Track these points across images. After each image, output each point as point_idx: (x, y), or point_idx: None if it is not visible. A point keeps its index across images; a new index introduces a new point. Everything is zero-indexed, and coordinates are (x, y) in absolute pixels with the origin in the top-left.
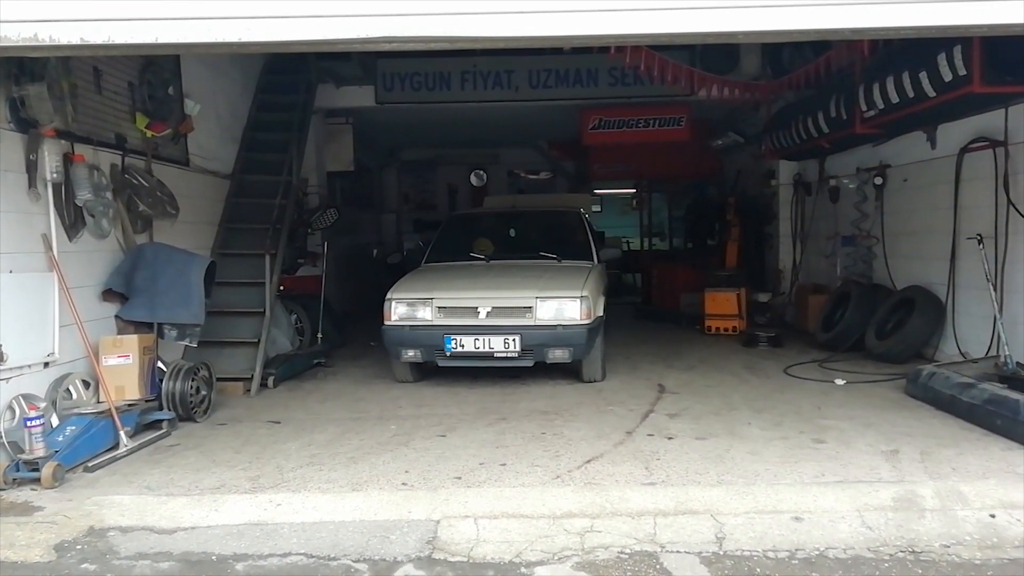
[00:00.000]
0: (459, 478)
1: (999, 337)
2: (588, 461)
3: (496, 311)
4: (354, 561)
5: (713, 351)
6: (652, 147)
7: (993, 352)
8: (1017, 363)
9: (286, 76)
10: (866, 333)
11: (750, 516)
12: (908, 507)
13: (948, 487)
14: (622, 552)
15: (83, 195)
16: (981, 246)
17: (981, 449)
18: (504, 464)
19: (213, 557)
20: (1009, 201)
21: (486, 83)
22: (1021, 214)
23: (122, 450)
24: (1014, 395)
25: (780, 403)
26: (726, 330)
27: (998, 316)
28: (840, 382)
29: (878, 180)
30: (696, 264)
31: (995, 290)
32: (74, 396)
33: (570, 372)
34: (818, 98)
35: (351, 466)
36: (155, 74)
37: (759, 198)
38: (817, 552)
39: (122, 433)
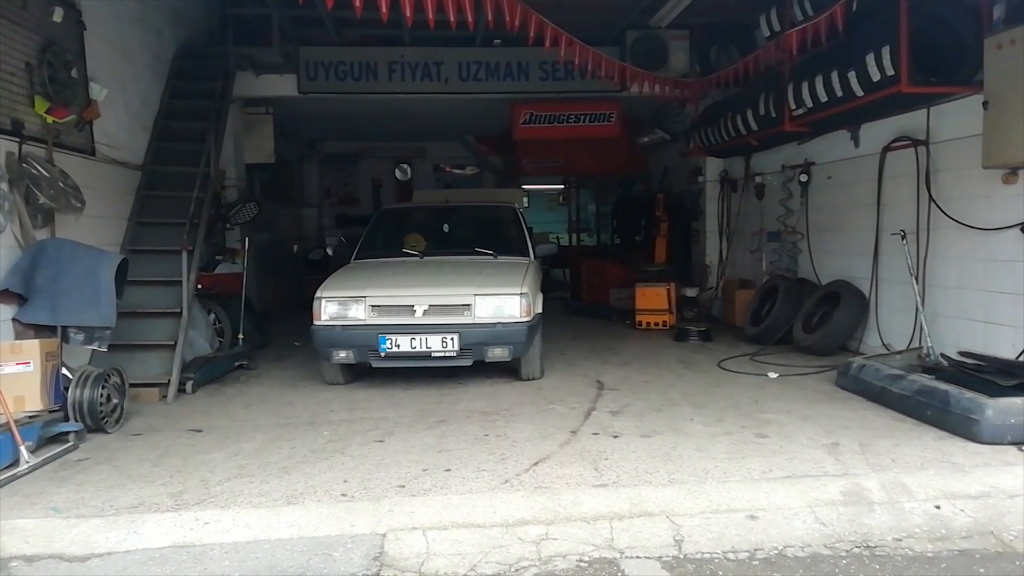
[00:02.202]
0: (402, 486)
1: (922, 329)
2: (535, 463)
3: (433, 309)
4: None
5: (646, 346)
6: (581, 143)
7: (915, 344)
8: (941, 355)
9: (202, 62)
10: (793, 327)
11: (706, 516)
12: (857, 501)
13: (891, 479)
14: (581, 560)
15: None
16: (904, 241)
17: (915, 439)
18: (449, 470)
19: None
20: (931, 198)
21: (415, 74)
22: (943, 210)
23: (23, 467)
24: (943, 386)
25: (719, 398)
26: (656, 325)
27: (920, 309)
28: (773, 375)
29: (803, 177)
30: (625, 260)
31: (917, 284)
32: None
33: (507, 370)
34: (747, 96)
35: (284, 477)
36: (56, 55)
37: (686, 194)
38: (776, 551)
39: (22, 448)
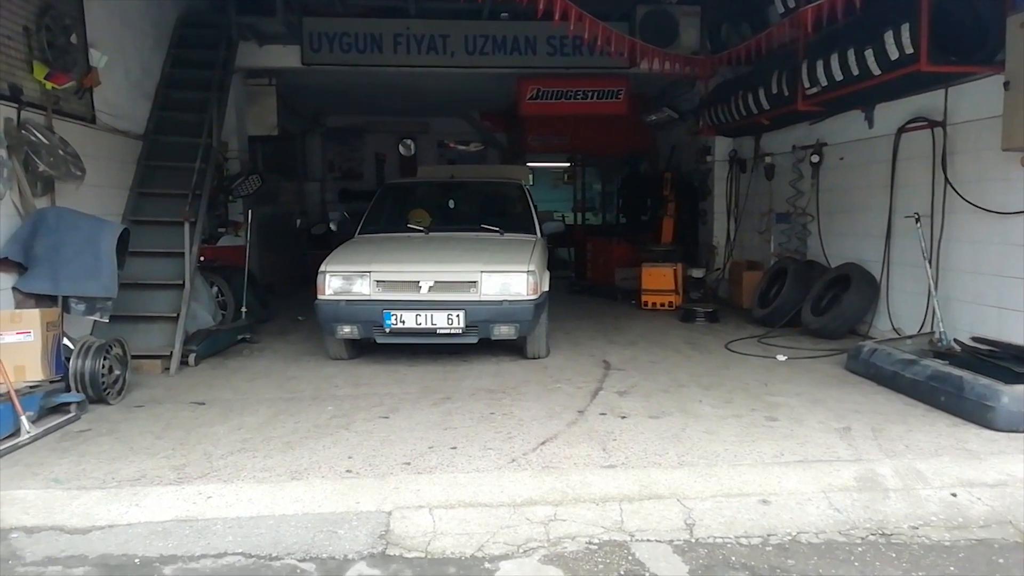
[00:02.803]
0: (408, 463)
1: (934, 314)
2: (543, 443)
3: (439, 285)
4: (300, 560)
5: (652, 326)
6: (588, 120)
7: (926, 329)
8: (954, 340)
9: (204, 30)
10: (802, 309)
11: (717, 500)
12: (872, 487)
13: (905, 465)
14: (591, 542)
15: None
16: (918, 224)
17: (928, 425)
18: (455, 448)
19: (136, 560)
20: (947, 180)
21: (420, 47)
22: (958, 193)
23: (24, 437)
24: (957, 372)
25: (727, 379)
26: (663, 305)
27: (933, 293)
28: (782, 358)
29: (815, 158)
30: (631, 239)
31: (931, 267)
32: None
33: (513, 348)
34: (759, 74)
35: (288, 452)
36: (55, 19)
37: (694, 174)
38: (789, 537)
39: (23, 418)
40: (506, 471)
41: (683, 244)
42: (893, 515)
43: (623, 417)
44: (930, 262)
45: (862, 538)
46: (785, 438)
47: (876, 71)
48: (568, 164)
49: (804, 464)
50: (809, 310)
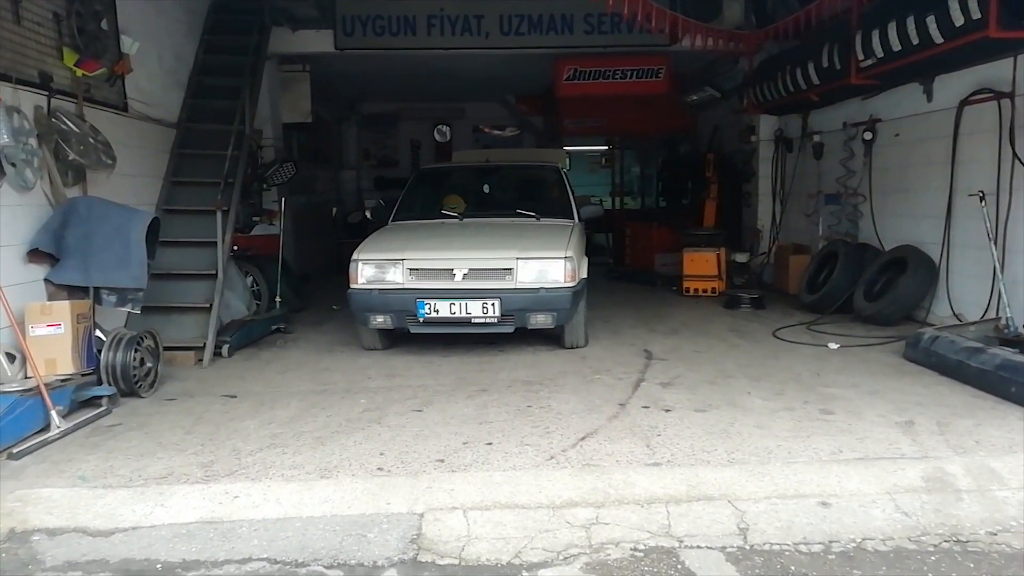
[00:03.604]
0: (442, 460)
1: (1000, 298)
2: (582, 438)
3: (473, 273)
4: (327, 567)
5: (695, 314)
6: (626, 101)
7: (991, 314)
8: (1023, 326)
9: (237, 16)
10: (854, 294)
11: (772, 502)
12: (942, 488)
13: (978, 463)
14: (636, 549)
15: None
16: (983, 203)
17: (999, 419)
18: (490, 443)
19: (158, 566)
20: (1015, 155)
21: (454, 28)
22: None
23: (53, 432)
24: None
25: (776, 370)
26: (705, 291)
27: (999, 276)
28: (834, 346)
29: (867, 135)
30: (671, 223)
31: (996, 249)
32: None
33: (550, 338)
34: (808, 48)
35: (318, 448)
36: (85, 5)
37: (737, 155)
38: (854, 544)
39: (53, 413)
40: (544, 469)
41: (726, 228)
42: (968, 519)
43: (667, 411)
44: (995, 243)
45: (934, 545)
46: (842, 433)
47: (938, 39)
48: (606, 147)
49: (865, 462)
50: (862, 295)
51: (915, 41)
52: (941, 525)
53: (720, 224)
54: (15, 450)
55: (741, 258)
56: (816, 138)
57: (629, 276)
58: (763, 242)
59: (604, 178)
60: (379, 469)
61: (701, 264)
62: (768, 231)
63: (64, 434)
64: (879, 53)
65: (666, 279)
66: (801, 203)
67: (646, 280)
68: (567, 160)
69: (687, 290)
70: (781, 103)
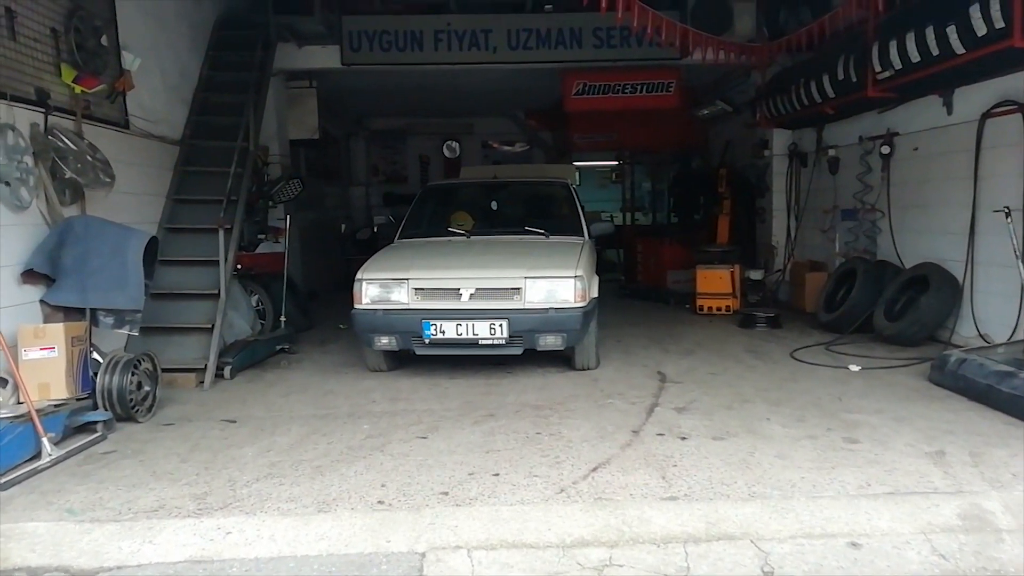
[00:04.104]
0: (446, 493)
1: None
2: (594, 469)
3: (480, 293)
4: None
5: (709, 333)
6: (636, 116)
7: (1019, 335)
8: None
9: (242, 32)
10: (874, 313)
11: (797, 542)
12: (980, 527)
13: (1017, 499)
14: None
15: None
16: (1009, 219)
17: None
18: (497, 474)
19: None
20: None
21: (461, 43)
22: None
23: (44, 460)
24: None
25: (796, 393)
26: (719, 310)
27: None
28: (855, 368)
29: (885, 149)
30: (683, 240)
31: (1023, 267)
32: None
33: (560, 359)
34: (823, 60)
35: (317, 478)
36: (84, 20)
37: (750, 169)
38: None
39: (44, 440)
40: (554, 504)
41: (739, 244)
42: (1011, 563)
43: (683, 438)
44: (1022, 261)
45: None
46: (869, 464)
47: (959, 50)
48: (616, 163)
49: (896, 497)
50: (882, 314)
51: (935, 52)
52: (983, 570)
53: (733, 240)
54: (3, 480)
55: (755, 275)
56: (831, 152)
57: (641, 294)
58: (777, 259)
59: (614, 193)
60: (380, 503)
61: (715, 282)
62: (783, 247)
63: (55, 462)
64: (897, 65)
65: (679, 296)
66: (816, 219)
67: (658, 298)
68: (576, 175)
69: (700, 308)
70: (795, 117)
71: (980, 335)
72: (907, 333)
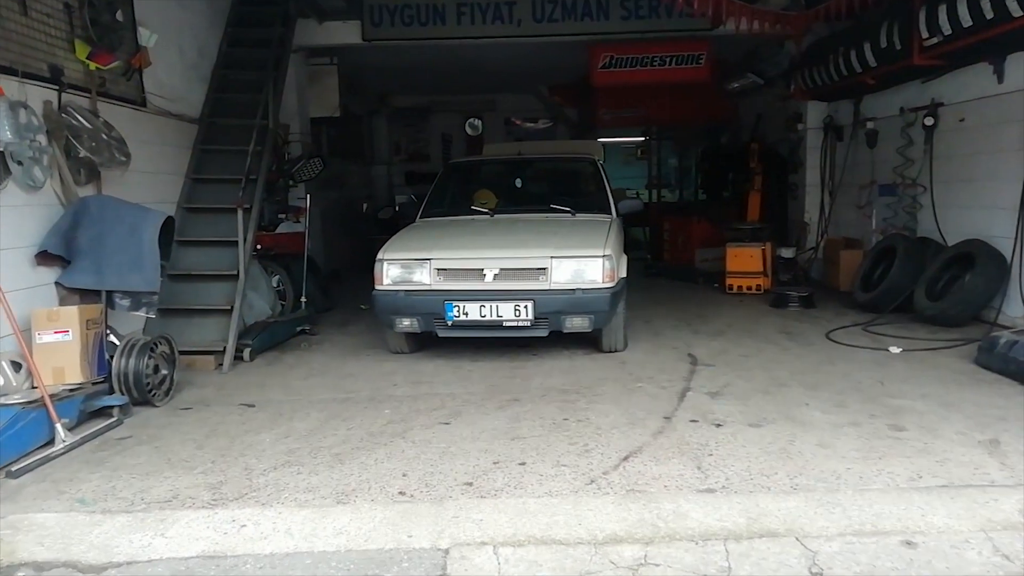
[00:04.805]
0: (470, 484)
1: None
2: (625, 458)
3: (505, 273)
4: None
5: (740, 313)
6: (664, 90)
7: None
8: None
9: (261, 8)
10: (914, 292)
11: (847, 540)
12: None
13: None
14: None
15: (2, 137)
16: None
17: None
18: (523, 463)
19: None
20: None
21: (485, 17)
22: None
23: (58, 447)
24: None
25: (834, 377)
26: (750, 289)
27: None
28: (895, 350)
29: (928, 121)
30: (712, 217)
31: None
32: (1, 382)
33: (586, 341)
34: (865, 27)
35: (336, 467)
36: None
37: (782, 144)
38: None
39: (58, 426)
40: (584, 496)
41: (770, 221)
42: None
43: (718, 425)
44: None
45: None
46: (919, 454)
47: (1017, 12)
48: (642, 138)
49: (950, 490)
50: (923, 294)
51: (988, 15)
52: None
53: (764, 217)
54: (14, 467)
55: (787, 253)
56: (870, 125)
57: (668, 272)
58: (810, 236)
59: (639, 170)
60: (401, 494)
61: (745, 260)
62: (816, 224)
63: (69, 448)
64: (946, 30)
65: (707, 276)
66: (852, 195)
67: (686, 277)
68: (602, 152)
69: (730, 287)
70: (833, 88)
71: None
72: (950, 313)
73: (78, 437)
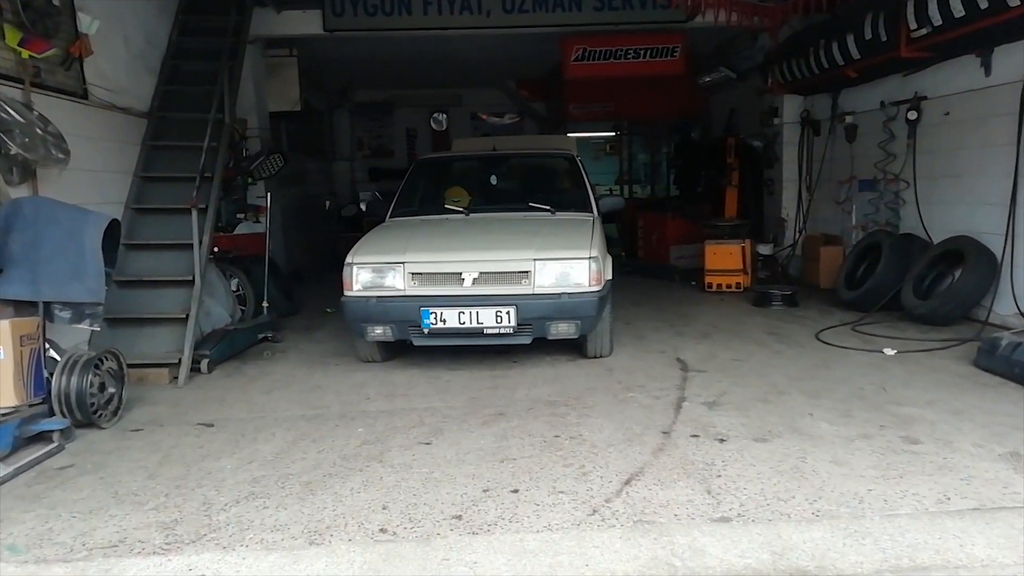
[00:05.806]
0: (459, 517)
1: None
2: (627, 482)
3: (484, 277)
4: None
5: (723, 313)
6: (636, 83)
7: None
8: None
9: None
10: (902, 291)
11: None
12: None
13: None
14: None
15: None
16: None
17: None
18: (516, 490)
19: None
20: None
21: (452, 7)
22: None
23: None
24: None
25: (833, 383)
26: (729, 287)
27: None
28: (890, 352)
29: (911, 115)
30: (687, 213)
31: None
32: None
33: (569, 345)
34: (847, 19)
35: (307, 498)
36: None
37: (757, 139)
38: None
39: None
40: (588, 530)
41: (746, 217)
42: None
43: (721, 440)
44: None
45: None
46: (940, 470)
47: (1014, 1)
48: (612, 133)
49: (983, 514)
50: (911, 292)
51: (983, 6)
52: None
53: (740, 214)
54: None
55: (765, 250)
56: (849, 119)
57: (643, 270)
58: (788, 232)
59: (609, 166)
60: (382, 531)
61: (725, 258)
62: (793, 221)
63: (3, 481)
64: (936, 21)
65: (684, 273)
66: (831, 190)
67: (662, 274)
68: (575, 147)
69: (710, 286)
70: (811, 82)
71: (1021, 312)
72: (940, 312)
73: (11, 469)
